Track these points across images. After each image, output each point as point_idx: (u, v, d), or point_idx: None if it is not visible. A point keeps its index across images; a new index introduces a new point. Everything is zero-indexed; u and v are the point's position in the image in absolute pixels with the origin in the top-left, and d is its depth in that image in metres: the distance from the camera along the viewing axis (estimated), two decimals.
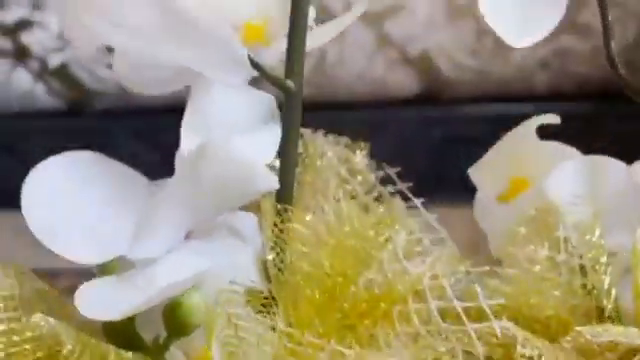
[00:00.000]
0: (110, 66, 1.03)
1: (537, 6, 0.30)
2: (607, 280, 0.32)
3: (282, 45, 0.33)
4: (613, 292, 0.32)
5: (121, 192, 0.33)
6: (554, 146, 0.35)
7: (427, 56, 1.00)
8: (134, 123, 1.03)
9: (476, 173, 0.36)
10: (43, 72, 1.02)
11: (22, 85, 1.03)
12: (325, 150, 0.37)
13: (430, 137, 1.02)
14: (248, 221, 0.35)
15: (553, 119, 0.34)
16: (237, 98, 0.33)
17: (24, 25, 1.00)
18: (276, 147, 0.33)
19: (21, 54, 1.02)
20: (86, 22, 0.32)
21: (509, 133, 0.35)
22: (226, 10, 0.31)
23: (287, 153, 0.33)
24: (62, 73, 1.02)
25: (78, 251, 0.31)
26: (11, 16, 1.00)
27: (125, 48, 0.33)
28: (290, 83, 0.32)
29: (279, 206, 0.33)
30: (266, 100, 0.33)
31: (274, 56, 0.33)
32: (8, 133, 1.05)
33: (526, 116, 0.41)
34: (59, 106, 1.04)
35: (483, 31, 0.93)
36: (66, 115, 1.05)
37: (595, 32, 0.88)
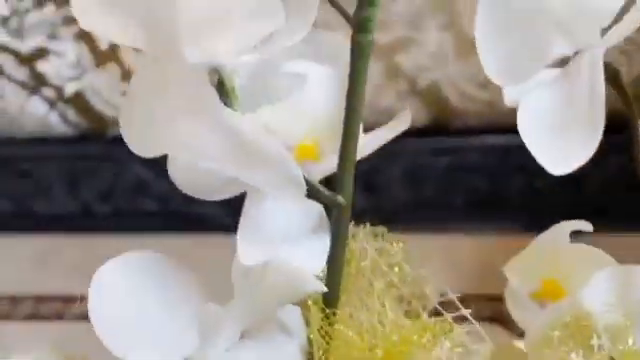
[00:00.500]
0: (124, 93, 1.04)
1: (574, 138, 0.32)
2: None
3: (332, 161, 0.35)
4: None
5: (178, 293, 0.35)
6: (584, 249, 0.37)
7: (436, 87, 1.02)
8: None
9: (509, 271, 0.38)
10: (58, 100, 1.03)
11: (37, 112, 1.04)
12: (365, 246, 0.39)
13: (438, 166, 1.03)
14: (294, 314, 0.37)
15: (585, 226, 0.36)
16: (289, 208, 0.35)
17: (41, 54, 1.02)
18: (326, 256, 0.35)
19: (37, 82, 1.03)
20: (147, 138, 0.34)
21: (541, 235, 0.37)
22: (281, 132, 0.33)
23: (335, 260, 0.35)
24: (77, 101, 1.04)
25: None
26: (28, 45, 1.02)
27: (181, 158, 0.35)
28: (340, 199, 0.34)
29: (327, 310, 0.35)
30: (316, 210, 0.35)
31: (324, 171, 0.35)
32: (23, 159, 1.06)
33: None
34: (73, 133, 1.06)
35: None
36: (79, 142, 1.06)
37: None
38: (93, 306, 0.33)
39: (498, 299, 0.99)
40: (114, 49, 1.00)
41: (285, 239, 0.34)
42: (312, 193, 0.34)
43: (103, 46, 1.00)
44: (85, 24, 0.30)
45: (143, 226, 1.04)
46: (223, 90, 0.32)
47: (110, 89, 1.03)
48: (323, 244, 0.35)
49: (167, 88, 0.32)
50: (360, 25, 0.32)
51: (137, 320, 0.34)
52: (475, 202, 1.05)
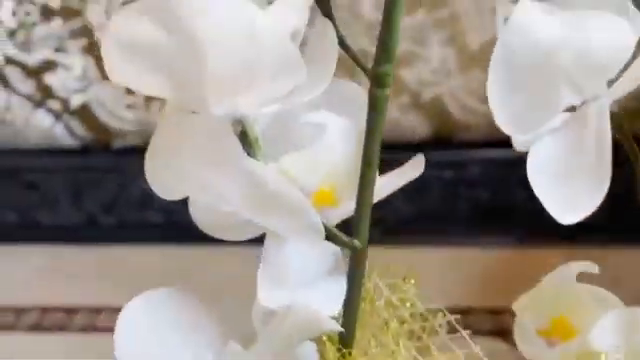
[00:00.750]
0: (130, 106, 1.05)
1: (581, 187, 0.33)
2: None
3: (348, 206, 0.36)
4: None
5: (199, 329, 0.36)
6: (590, 290, 0.38)
7: (439, 101, 1.03)
8: None
9: (519, 308, 0.39)
10: (64, 112, 1.04)
11: (43, 124, 1.05)
12: (379, 283, 0.40)
13: (441, 179, 1.04)
14: (309, 349, 0.39)
15: (591, 268, 0.37)
16: (307, 251, 0.36)
17: (48, 66, 1.02)
18: (342, 299, 0.36)
19: (43, 94, 1.04)
20: (170, 183, 0.35)
21: (549, 275, 0.39)
22: (300, 179, 0.35)
23: (351, 302, 0.37)
24: (82, 113, 1.04)
25: None
26: (35, 58, 1.02)
27: (202, 201, 0.36)
28: (357, 243, 0.36)
29: (342, 350, 0.37)
30: (333, 252, 0.36)
31: (341, 216, 0.36)
32: (28, 170, 1.07)
33: None
34: (78, 145, 1.07)
35: None
36: (84, 153, 1.07)
37: None
38: (118, 343, 0.35)
39: (500, 312, 1.00)
40: None
41: (303, 281, 0.35)
42: (330, 237, 0.35)
43: None
44: (116, 79, 0.31)
45: (147, 237, 1.05)
46: (246, 140, 0.34)
47: (115, 101, 1.04)
48: (340, 286, 0.36)
49: (191, 138, 0.33)
50: (377, 80, 0.33)
51: (159, 356, 0.35)
52: (477, 215, 1.06)
